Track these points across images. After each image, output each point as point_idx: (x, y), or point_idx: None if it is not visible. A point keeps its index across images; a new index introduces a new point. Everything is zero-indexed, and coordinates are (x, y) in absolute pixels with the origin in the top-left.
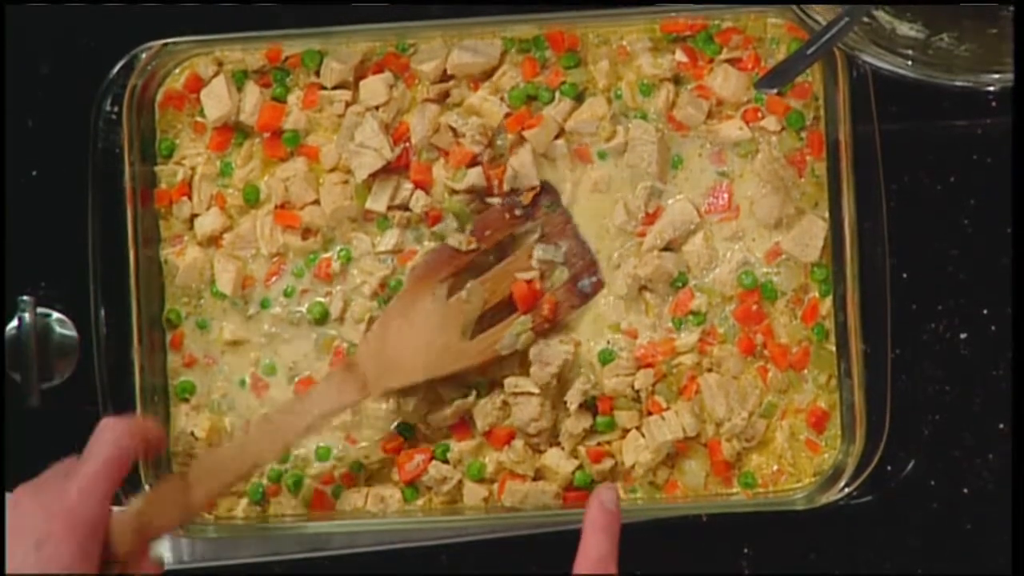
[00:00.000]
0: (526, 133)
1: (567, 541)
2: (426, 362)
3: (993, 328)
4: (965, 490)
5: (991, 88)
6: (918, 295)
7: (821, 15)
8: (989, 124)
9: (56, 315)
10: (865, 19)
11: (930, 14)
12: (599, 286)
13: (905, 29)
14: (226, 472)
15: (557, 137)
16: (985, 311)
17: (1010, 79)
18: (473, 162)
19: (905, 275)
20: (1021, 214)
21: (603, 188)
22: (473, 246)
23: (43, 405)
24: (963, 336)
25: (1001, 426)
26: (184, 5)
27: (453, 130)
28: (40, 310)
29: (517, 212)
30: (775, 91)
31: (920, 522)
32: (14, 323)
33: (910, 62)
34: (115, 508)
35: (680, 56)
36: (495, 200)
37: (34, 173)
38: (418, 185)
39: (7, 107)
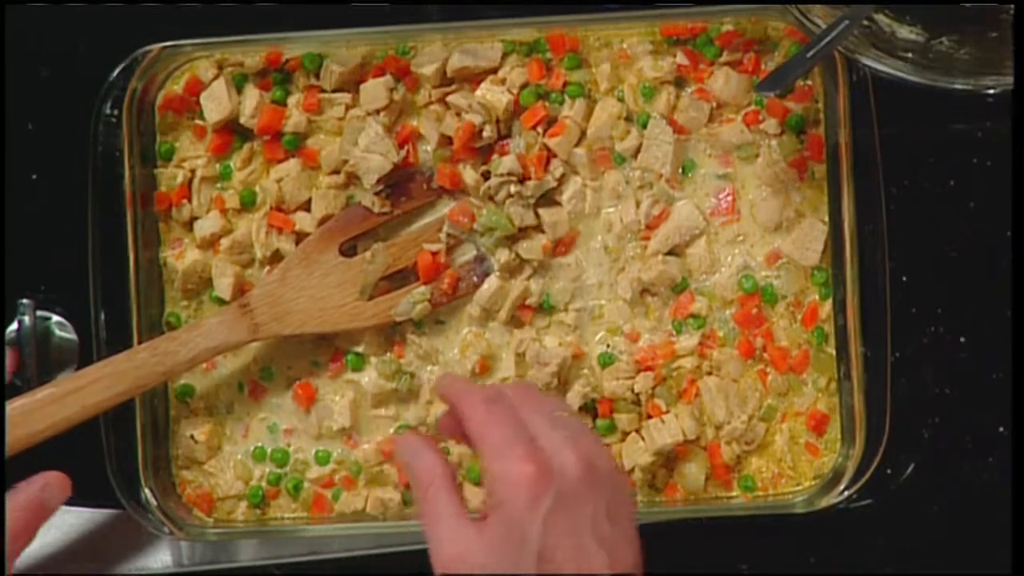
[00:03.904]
0: (550, 142)
1: None
2: (320, 315)
3: (993, 331)
4: (965, 493)
5: (991, 91)
6: (918, 298)
7: (821, 18)
8: (989, 127)
9: (56, 318)
10: (865, 22)
11: (930, 17)
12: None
13: (905, 32)
14: (110, 387)
15: (577, 144)
16: (985, 314)
17: (1010, 82)
18: (479, 135)
19: (905, 278)
20: (1021, 217)
21: (620, 193)
22: (386, 209)
23: None
24: (963, 339)
25: (1001, 429)
26: (184, 6)
27: (457, 114)
28: (40, 313)
29: (434, 186)
30: (775, 94)
31: (920, 524)
32: (14, 326)
33: (910, 65)
34: None
35: (681, 59)
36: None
37: (34, 176)
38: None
39: (7, 110)
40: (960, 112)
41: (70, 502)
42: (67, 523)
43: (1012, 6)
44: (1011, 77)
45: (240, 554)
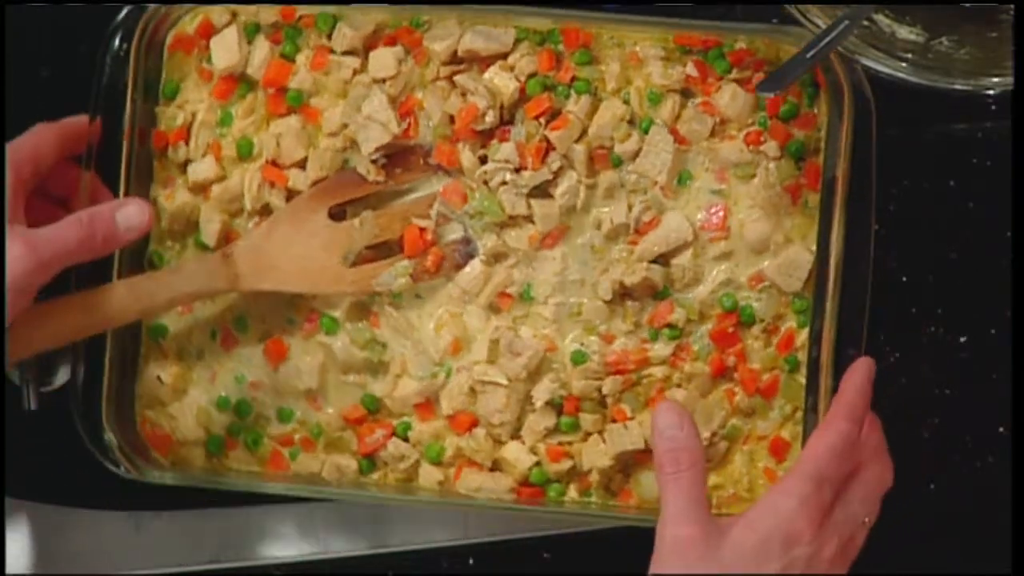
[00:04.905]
0: (551, 135)
1: (575, 544)
2: (301, 275)
3: (992, 331)
4: (965, 493)
5: (991, 92)
6: (917, 298)
7: (821, 19)
8: (989, 128)
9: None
10: (865, 23)
11: (930, 18)
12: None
13: (905, 33)
14: (85, 318)
15: (578, 140)
16: (984, 314)
17: (1010, 83)
18: (481, 118)
19: (905, 278)
20: (1021, 217)
21: (613, 195)
22: (380, 178)
23: (41, 408)
24: (962, 339)
25: (1001, 429)
26: None
27: (463, 94)
28: None
29: (431, 162)
30: (774, 94)
31: (919, 525)
32: None
33: (910, 66)
34: None
35: (691, 69)
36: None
37: None
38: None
39: (7, 110)
40: (960, 112)
41: (67, 503)
42: (66, 523)
43: (1012, 6)
44: (1011, 77)
45: (238, 555)
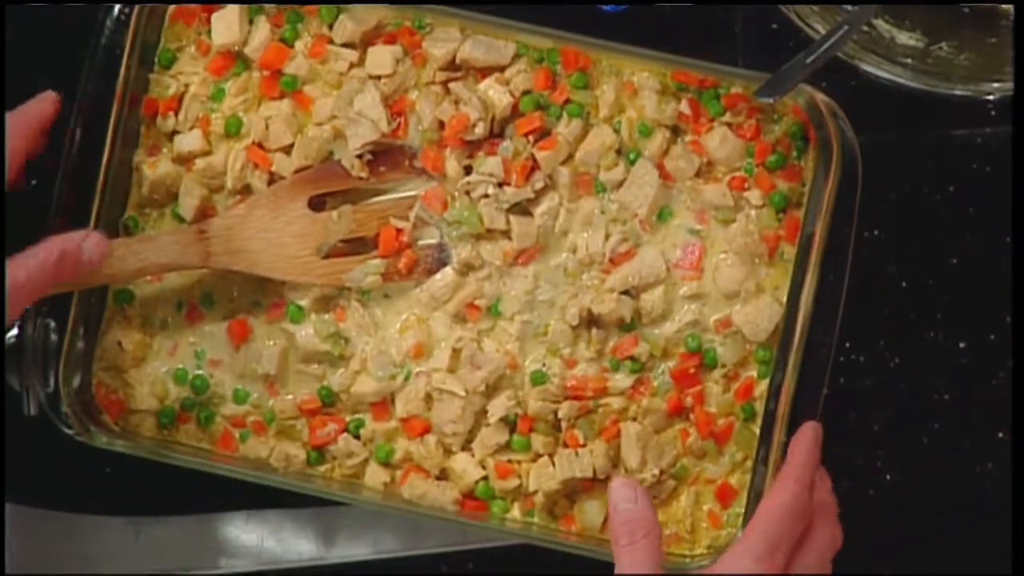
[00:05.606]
0: (539, 155)
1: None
2: (273, 261)
3: (992, 336)
4: (965, 498)
5: (990, 97)
6: (917, 303)
7: (820, 24)
8: (989, 133)
9: (55, 324)
10: (864, 28)
11: (929, 23)
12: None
13: (904, 38)
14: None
15: (564, 162)
16: (984, 319)
17: (1009, 88)
18: (471, 129)
19: (904, 283)
20: (1020, 222)
21: (592, 221)
22: (364, 174)
23: (41, 413)
24: (962, 345)
25: (1000, 434)
26: None
27: (456, 102)
28: (40, 319)
29: (416, 164)
30: (773, 99)
31: (920, 528)
32: (14, 332)
33: (909, 71)
34: None
35: (684, 107)
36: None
37: (34, 182)
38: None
39: (7, 110)
40: (960, 118)
41: (67, 508)
42: (66, 529)
43: (1012, 11)
44: (1011, 83)
45: (237, 559)
